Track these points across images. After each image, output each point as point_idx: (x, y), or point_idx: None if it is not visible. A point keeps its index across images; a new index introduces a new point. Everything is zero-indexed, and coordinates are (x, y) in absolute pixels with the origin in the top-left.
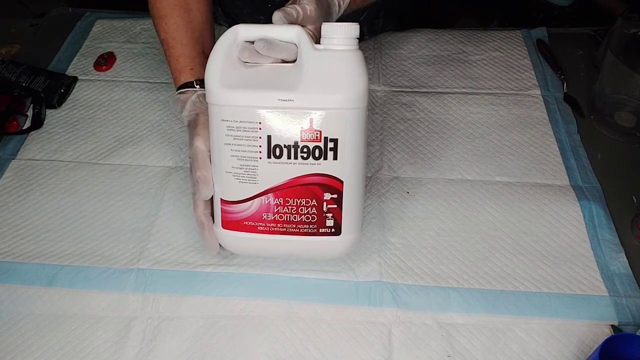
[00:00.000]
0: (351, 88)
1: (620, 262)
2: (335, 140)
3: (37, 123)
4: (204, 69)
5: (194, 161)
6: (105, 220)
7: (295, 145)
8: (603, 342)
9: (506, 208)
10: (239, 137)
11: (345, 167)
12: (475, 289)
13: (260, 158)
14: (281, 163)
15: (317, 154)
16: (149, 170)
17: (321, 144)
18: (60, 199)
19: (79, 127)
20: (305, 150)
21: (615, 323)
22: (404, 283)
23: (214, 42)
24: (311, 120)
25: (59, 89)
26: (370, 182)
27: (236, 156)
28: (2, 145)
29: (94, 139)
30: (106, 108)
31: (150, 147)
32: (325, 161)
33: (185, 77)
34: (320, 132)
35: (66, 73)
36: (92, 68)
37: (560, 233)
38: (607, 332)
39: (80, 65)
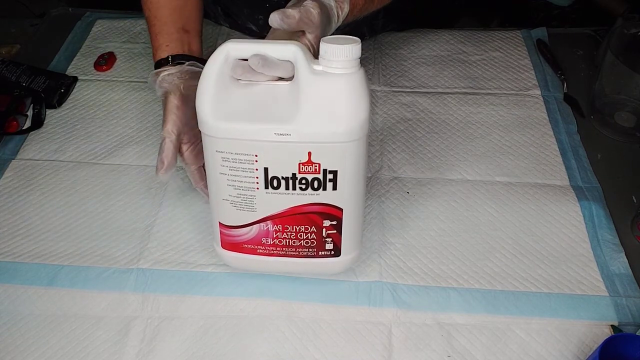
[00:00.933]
0: (351, 120)
1: (620, 262)
2: (334, 172)
3: (37, 123)
4: (181, 44)
5: (162, 144)
6: (105, 220)
7: (294, 177)
8: (603, 342)
9: (506, 208)
10: (235, 168)
11: (345, 196)
12: (475, 289)
13: (258, 188)
14: (279, 193)
15: (315, 185)
16: (149, 170)
17: (320, 176)
18: (60, 199)
19: (79, 127)
20: (303, 181)
21: (615, 323)
22: (404, 283)
23: (201, 19)
24: (309, 154)
25: (59, 89)
26: (370, 182)
27: (233, 185)
28: (2, 145)
29: (94, 139)
30: (106, 108)
31: (151, 147)
32: (324, 191)
33: (160, 54)
34: (319, 164)
35: (66, 73)
36: (92, 68)
37: (560, 233)
38: (607, 332)
39: (80, 65)
